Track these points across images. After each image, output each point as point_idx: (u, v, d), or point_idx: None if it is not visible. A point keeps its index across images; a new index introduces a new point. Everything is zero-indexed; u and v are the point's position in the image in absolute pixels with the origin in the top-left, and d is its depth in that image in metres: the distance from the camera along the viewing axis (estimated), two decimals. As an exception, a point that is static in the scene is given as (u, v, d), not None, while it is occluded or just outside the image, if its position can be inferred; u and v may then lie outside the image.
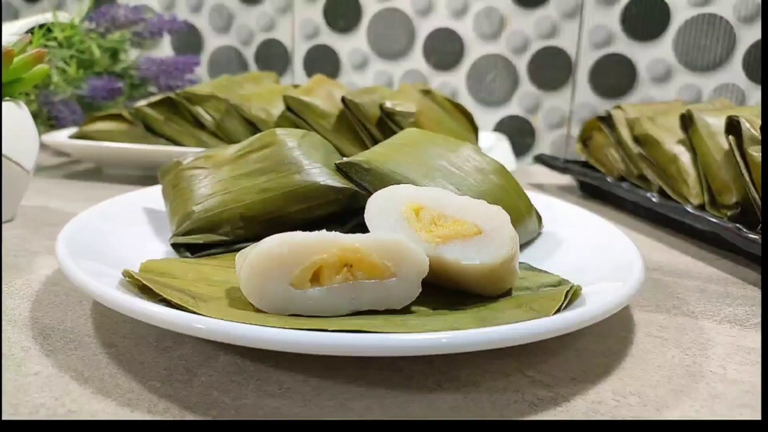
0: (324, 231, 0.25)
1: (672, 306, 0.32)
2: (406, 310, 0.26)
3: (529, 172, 0.72)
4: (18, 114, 0.41)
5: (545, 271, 0.32)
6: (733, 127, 0.42)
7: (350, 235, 0.25)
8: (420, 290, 0.26)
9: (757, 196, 0.39)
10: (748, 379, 0.24)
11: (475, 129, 0.62)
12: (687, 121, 0.48)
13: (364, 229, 0.28)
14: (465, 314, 0.26)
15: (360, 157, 0.34)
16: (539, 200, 0.40)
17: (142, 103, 0.60)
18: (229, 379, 0.23)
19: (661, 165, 0.49)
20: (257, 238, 0.27)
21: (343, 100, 0.56)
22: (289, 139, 0.36)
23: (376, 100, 0.55)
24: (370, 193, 0.31)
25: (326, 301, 0.24)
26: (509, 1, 0.76)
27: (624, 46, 0.73)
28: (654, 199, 0.47)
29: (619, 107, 0.57)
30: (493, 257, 0.26)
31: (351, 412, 0.21)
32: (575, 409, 0.22)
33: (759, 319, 0.30)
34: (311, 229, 0.25)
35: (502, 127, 0.81)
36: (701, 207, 0.44)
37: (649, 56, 0.73)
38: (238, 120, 0.59)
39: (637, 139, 0.52)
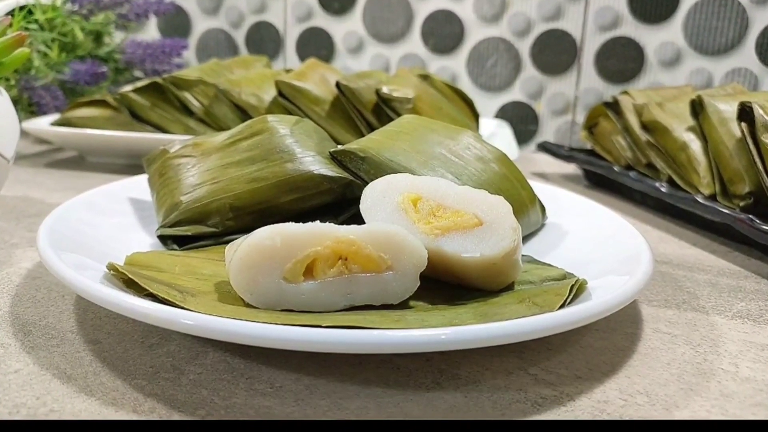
0: (318, 222, 0.25)
1: (682, 301, 0.31)
2: (403, 305, 0.26)
3: (532, 161, 0.72)
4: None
5: (549, 264, 0.31)
6: (745, 113, 0.41)
7: (345, 226, 0.25)
8: (418, 284, 0.25)
9: (770, 186, 0.38)
10: (761, 377, 0.24)
11: (475, 115, 0.62)
12: (697, 107, 0.48)
13: (359, 220, 0.28)
14: (465, 309, 0.25)
15: (355, 145, 0.34)
16: (543, 190, 0.40)
17: (127, 88, 0.60)
18: (219, 377, 0.23)
19: (670, 153, 0.49)
20: (248, 229, 0.27)
21: (338, 85, 0.55)
22: (281, 126, 0.36)
23: (372, 85, 0.55)
24: (365, 183, 0.31)
25: (320, 296, 0.24)
26: (512, -17, 0.76)
27: (631, 28, 0.73)
28: (663, 189, 0.46)
29: (626, 93, 0.57)
30: (494, 250, 0.26)
31: (346, 411, 0.21)
32: (580, 409, 0.21)
33: (772, 314, 0.30)
34: (304, 221, 0.25)
35: (503, 113, 0.80)
36: (712, 197, 0.44)
37: (658, 39, 0.72)
38: (227, 106, 0.59)
39: (645, 126, 0.52)
